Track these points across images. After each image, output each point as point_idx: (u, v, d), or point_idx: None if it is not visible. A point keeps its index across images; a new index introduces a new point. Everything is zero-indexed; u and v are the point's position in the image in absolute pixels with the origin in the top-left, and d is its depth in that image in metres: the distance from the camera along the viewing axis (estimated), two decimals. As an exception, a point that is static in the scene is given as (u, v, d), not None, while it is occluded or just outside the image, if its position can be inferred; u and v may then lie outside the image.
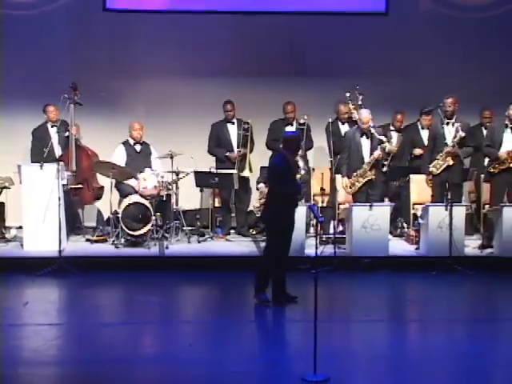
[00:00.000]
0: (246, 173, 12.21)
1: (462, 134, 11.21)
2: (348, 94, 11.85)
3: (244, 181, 12.20)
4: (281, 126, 12.27)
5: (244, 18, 13.06)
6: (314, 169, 12.47)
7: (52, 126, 11.96)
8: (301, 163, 11.22)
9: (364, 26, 13.19)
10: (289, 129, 12.16)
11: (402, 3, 13.18)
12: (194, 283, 10.49)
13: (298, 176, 11.25)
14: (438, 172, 11.35)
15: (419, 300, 10.17)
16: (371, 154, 11.23)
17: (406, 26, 13.20)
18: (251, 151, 12.38)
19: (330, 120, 11.95)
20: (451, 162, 11.32)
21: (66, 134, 11.94)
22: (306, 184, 11.73)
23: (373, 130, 11.19)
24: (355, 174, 11.24)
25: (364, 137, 11.32)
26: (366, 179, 11.21)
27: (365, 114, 11.25)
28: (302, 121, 12.12)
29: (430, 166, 11.38)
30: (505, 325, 8.94)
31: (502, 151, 11.30)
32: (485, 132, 12.00)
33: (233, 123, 12.38)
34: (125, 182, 11.82)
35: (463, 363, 7.55)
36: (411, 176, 12.21)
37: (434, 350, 7.90)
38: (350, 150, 11.37)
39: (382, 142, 11.20)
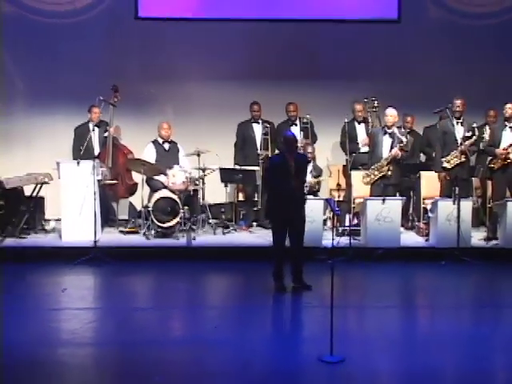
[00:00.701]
0: None
1: (476, 133, 11.30)
2: (366, 100, 11.96)
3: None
4: (286, 127, 12.36)
5: (263, 25, 13.04)
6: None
7: (93, 126, 12.03)
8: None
9: (377, 32, 13.17)
10: (293, 128, 12.27)
11: (413, 11, 13.14)
12: (218, 272, 10.54)
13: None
14: (451, 167, 11.36)
15: (428, 288, 10.21)
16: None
17: (417, 32, 13.15)
18: (273, 151, 12.43)
19: (346, 120, 11.99)
20: (463, 160, 11.37)
21: (105, 134, 12.03)
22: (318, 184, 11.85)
23: (395, 130, 11.27)
24: (373, 167, 11.30)
25: (386, 135, 11.37)
26: (381, 174, 11.25)
27: (391, 111, 11.36)
28: (305, 120, 12.21)
29: (443, 160, 11.39)
30: (509, 311, 8.94)
31: (500, 148, 11.37)
32: (488, 131, 11.98)
33: (258, 123, 12.45)
34: (155, 177, 11.89)
35: (469, 346, 7.58)
36: (421, 172, 12.23)
37: (443, 333, 7.96)
38: (372, 147, 11.46)
39: (401, 141, 11.25)
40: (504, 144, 11.37)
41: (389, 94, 12.47)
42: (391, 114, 11.37)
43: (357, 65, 13.12)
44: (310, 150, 11.91)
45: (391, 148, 11.29)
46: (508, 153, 11.30)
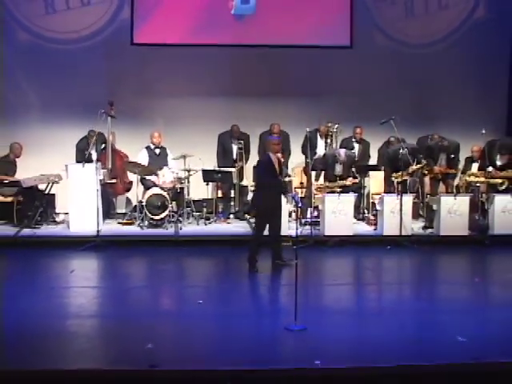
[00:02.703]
0: (244, 182, 12.32)
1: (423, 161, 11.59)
2: (330, 124, 11.99)
3: (243, 188, 12.37)
4: (267, 135, 12.39)
5: (240, 50, 13.06)
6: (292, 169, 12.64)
7: (91, 144, 11.91)
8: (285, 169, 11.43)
9: (334, 56, 13.23)
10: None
11: (362, 39, 13.22)
12: (201, 256, 10.51)
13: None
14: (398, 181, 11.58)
15: (376, 268, 10.25)
16: (341, 174, 11.50)
17: (366, 57, 13.21)
18: (246, 161, 12.45)
19: (308, 129, 11.97)
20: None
21: (103, 145, 12.00)
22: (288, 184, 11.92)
23: (344, 155, 11.54)
24: (327, 183, 11.51)
25: (338, 162, 11.52)
26: (332, 190, 11.42)
27: (342, 154, 11.56)
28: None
29: (393, 175, 11.52)
30: (441, 286, 9.06)
31: (436, 167, 11.60)
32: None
33: (235, 142, 12.46)
34: (148, 177, 11.88)
35: (409, 315, 7.66)
36: (370, 173, 12.29)
37: (388, 305, 8.04)
38: (327, 167, 11.62)
39: (355, 177, 11.60)
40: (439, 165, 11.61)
41: (344, 108, 12.60)
42: (343, 157, 11.51)
43: (318, 84, 13.17)
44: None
45: (342, 171, 11.50)
46: (440, 173, 11.57)
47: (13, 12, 12.84)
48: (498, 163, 11.57)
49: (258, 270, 9.33)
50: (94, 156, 11.88)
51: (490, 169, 11.48)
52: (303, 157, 12.47)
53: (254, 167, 11.02)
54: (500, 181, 11.43)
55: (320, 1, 13.17)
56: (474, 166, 12.07)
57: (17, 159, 11.92)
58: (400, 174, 11.32)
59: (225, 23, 13.07)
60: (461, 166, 12.21)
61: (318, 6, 13.14)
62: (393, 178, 11.47)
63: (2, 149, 11.99)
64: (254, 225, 9.67)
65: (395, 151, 11.53)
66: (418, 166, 11.46)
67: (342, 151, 11.65)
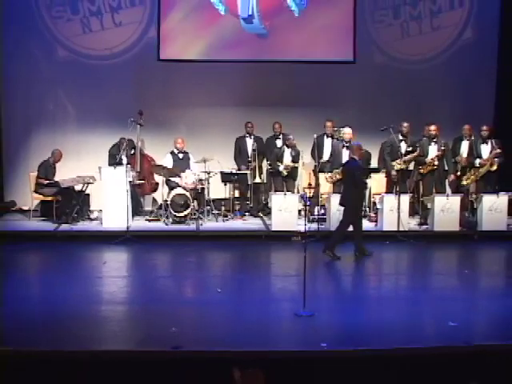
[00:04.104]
0: (257, 179, 12.30)
1: (418, 150, 11.48)
2: (335, 129, 11.94)
3: (257, 185, 12.34)
4: (272, 141, 12.44)
5: (255, 65, 12.96)
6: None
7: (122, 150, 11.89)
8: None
9: (337, 70, 13.19)
10: (278, 141, 12.36)
11: (363, 55, 13.16)
12: (219, 249, 10.51)
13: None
14: (398, 169, 11.47)
15: (377, 261, 10.14)
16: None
17: (367, 71, 13.15)
18: (261, 162, 12.44)
19: (316, 135, 11.93)
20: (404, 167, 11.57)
21: (132, 151, 12.02)
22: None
23: (352, 142, 11.32)
24: (336, 171, 11.38)
25: (345, 148, 11.41)
26: (341, 177, 11.30)
27: (348, 130, 11.51)
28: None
29: (393, 163, 11.49)
30: (434, 277, 9.03)
31: (429, 157, 11.50)
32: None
33: (250, 138, 12.45)
34: (172, 179, 11.88)
35: (406, 302, 7.64)
36: (372, 174, 12.21)
37: (387, 293, 8.03)
38: (334, 156, 11.55)
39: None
40: (431, 155, 11.48)
41: (347, 117, 12.53)
42: (348, 132, 11.45)
43: (323, 95, 13.11)
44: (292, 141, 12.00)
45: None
46: (434, 162, 11.41)
47: (54, 32, 12.88)
48: (484, 155, 11.62)
49: (340, 257, 9.45)
50: (124, 160, 11.89)
51: (478, 161, 11.58)
52: (311, 160, 12.45)
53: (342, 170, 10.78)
54: (489, 164, 11.45)
55: (326, 19, 13.06)
56: (464, 144, 11.93)
57: (56, 164, 11.94)
58: (398, 161, 11.35)
59: (240, 41, 13.02)
60: (453, 161, 12.10)
61: (323, 24, 13.06)
62: (395, 166, 11.42)
63: (44, 154, 12.02)
64: (343, 219, 9.72)
65: (393, 137, 11.49)
66: (414, 154, 11.44)
67: (347, 129, 11.52)
